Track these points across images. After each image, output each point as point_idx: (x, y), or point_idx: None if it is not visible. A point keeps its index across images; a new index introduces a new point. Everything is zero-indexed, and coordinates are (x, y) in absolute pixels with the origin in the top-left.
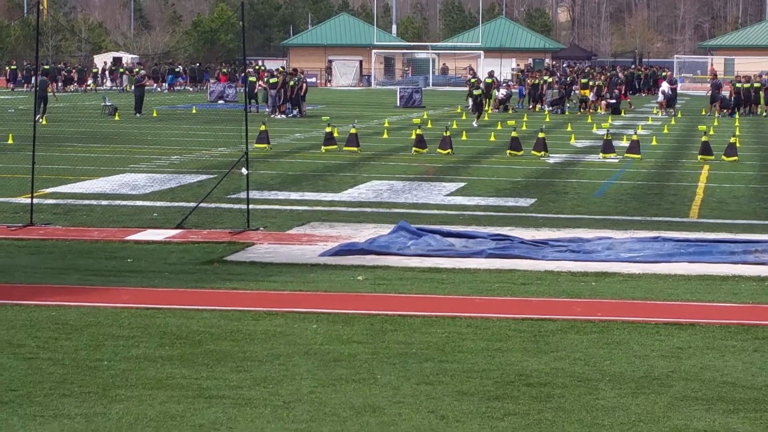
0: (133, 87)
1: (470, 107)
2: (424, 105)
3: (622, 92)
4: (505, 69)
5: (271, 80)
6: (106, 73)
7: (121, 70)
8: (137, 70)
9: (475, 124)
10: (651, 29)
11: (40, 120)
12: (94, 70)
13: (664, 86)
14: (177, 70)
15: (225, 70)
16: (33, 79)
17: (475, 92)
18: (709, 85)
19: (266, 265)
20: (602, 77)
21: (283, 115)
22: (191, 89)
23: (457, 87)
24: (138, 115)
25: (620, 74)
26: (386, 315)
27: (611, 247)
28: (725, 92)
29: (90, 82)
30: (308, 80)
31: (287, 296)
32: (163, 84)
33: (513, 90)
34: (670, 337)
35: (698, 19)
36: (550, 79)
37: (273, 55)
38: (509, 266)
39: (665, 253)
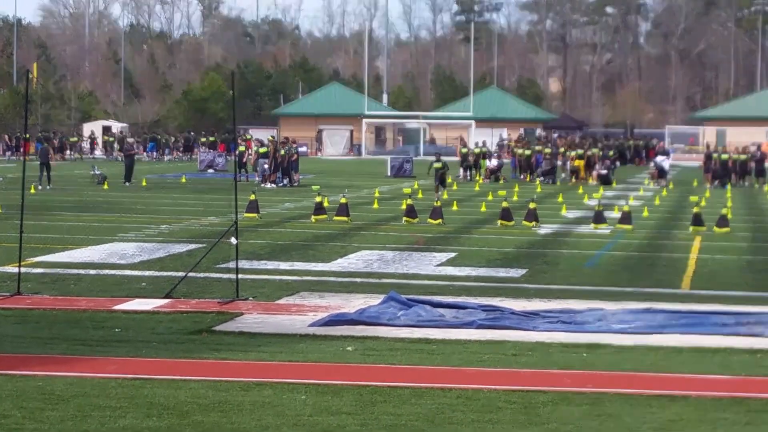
0: (122, 156)
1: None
2: (415, 175)
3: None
4: (496, 139)
5: (261, 149)
6: (86, 142)
7: (111, 139)
8: (130, 139)
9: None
10: (642, 100)
11: (39, 187)
12: (72, 139)
13: (658, 158)
14: (161, 138)
15: (212, 139)
16: (22, 148)
17: (435, 165)
18: (703, 155)
19: (255, 335)
20: (594, 148)
21: (273, 185)
22: (184, 157)
23: (448, 157)
24: (127, 184)
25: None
26: (376, 386)
27: (603, 319)
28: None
29: (69, 152)
30: (299, 149)
31: (276, 367)
32: (150, 153)
33: (505, 160)
34: (662, 410)
35: (690, 90)
36: (548, 150)
37: (263, 124)
38: (500, 337)
39: (657, 325)
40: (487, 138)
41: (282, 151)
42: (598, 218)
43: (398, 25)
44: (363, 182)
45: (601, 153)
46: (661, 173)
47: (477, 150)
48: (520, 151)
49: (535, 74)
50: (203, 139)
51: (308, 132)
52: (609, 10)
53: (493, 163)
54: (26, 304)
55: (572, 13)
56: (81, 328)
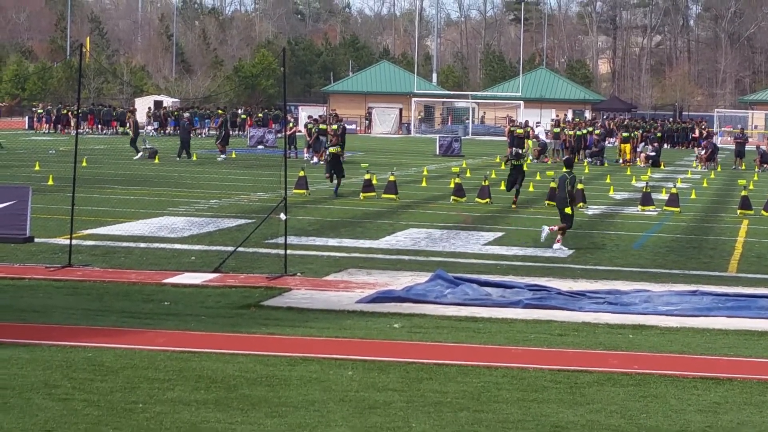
0: (179, 131)
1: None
2: (463, 154)
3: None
4: (544, 119)
5: (321, 126)
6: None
7: (175, 113)
8: (182, 113)
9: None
10: (692, 83)
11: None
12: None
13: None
14: (204, 113)
15: (260, 115)
16: (73, 121)
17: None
18: (732, 138)
19: (303, 311)
20: (639, 130)
21: (319, 161)
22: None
23: (496, 137)
24: (188, 158)
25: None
26: (422, 363)
27: (649, 300)
28: (764, 147)
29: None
30: (348, 127)
31: (323, 342)
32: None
33: (547, 141)
34: (707, 392)
35: (739, 74)
36: (598, 131)
37: (313, 101)
38: (546, 317)
39: (703, 307)
40: (536, 118)
41: (334, 126)
42: (646, 200)
43: (448, 4)
44: (411, 160)
45: (646, 134)
46: (709, 156)
47: (520, 130)
48: (570, 132)
49: (584, 55)
50: (260, 114)
51: (358, 110)
52: None
53: (539, 136)
54: (77, 276)
55: None
56: (131, 301)
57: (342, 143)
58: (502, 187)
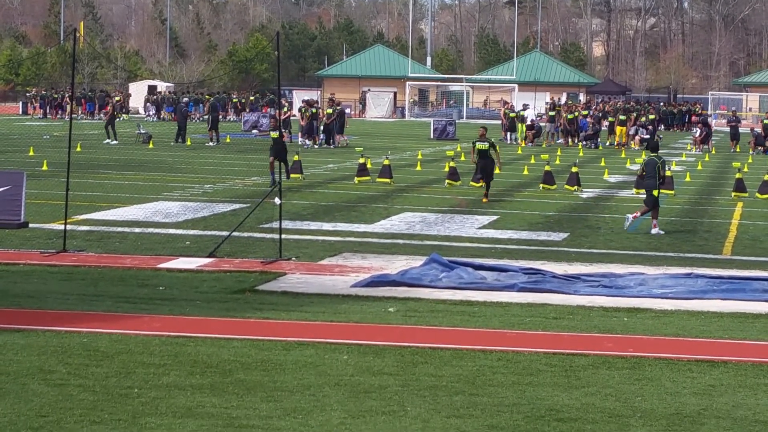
0: (176, 115)
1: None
2: (458, 137)
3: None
4: (539, 102)
5: (312, 110)
6: (148, 104)
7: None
8: (181, 98)
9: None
10: (686, 65)
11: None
12: (117, 99)
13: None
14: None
15: (252, 99)
16: (68, 107)
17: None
18: (725, 121)
19: (298, 295)
20: (633, 113)
21: (313, 145)
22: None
23: (491, 121)
24: (183, 143)
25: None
26: (417, 347)
27: (644, 283)
28: (758, 129)
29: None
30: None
31: (318, 326)
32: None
33: (541, 124)
34: (702, 375)
35: (733, 56)
36: (593, 114)
37: (307, 85)
38: (541, 300)
39: (698, 290)
40: (530, 101)
41: (329, 110)
42: (640, 183)
43: None
44: (406, 144)
45: (643, 118)
46: (704, 139)
47: (512, 114)
48: (565, 115)
49: (578, 38)
50: (251, 98)
51: (352, 94)
52: None
53: (528, 119)
54: (72, 261)
55: None
56: (126, 286)
57: (341, 127)
58: (497, 171)
